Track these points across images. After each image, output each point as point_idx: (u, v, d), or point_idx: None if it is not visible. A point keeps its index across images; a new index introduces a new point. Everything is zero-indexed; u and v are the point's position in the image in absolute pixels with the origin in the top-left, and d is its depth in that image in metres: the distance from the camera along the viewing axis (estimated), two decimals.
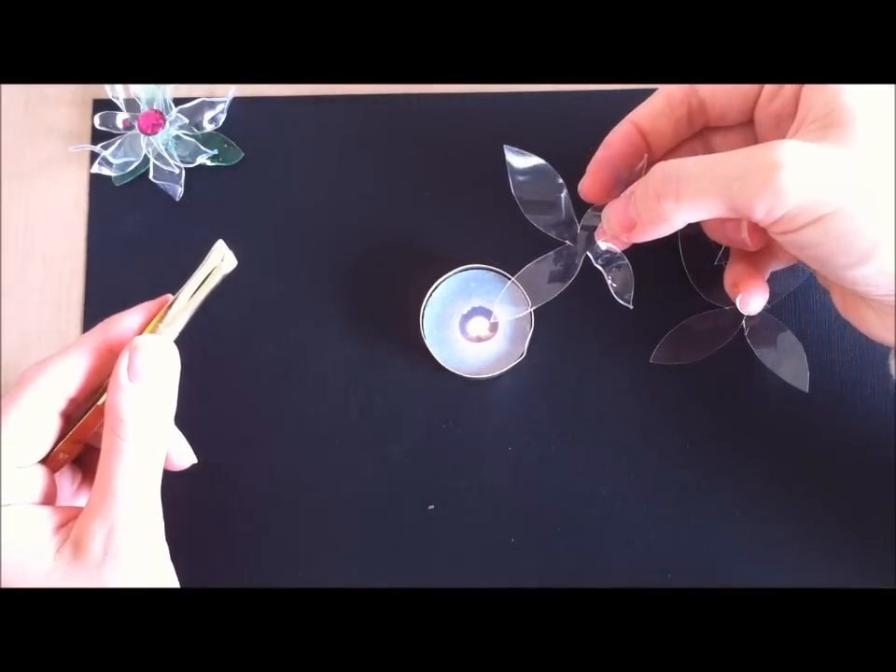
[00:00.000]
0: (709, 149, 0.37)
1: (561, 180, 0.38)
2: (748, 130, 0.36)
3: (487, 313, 0.40)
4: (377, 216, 0.42)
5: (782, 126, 0.34)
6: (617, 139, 0.36)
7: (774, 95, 0.34)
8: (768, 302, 0.40)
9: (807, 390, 0.39)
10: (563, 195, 0.38)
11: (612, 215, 0.34)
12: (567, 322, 0.41)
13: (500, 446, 0.40)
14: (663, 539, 0.39)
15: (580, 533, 0.40)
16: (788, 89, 0.33)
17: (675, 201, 0.31)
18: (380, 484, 0.40)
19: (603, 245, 0.37)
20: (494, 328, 0.40)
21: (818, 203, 0.29)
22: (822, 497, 0.39)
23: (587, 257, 0.38)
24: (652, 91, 0.36)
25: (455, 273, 0.40)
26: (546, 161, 0.38)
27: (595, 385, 0.41)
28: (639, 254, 0.36)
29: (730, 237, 0.36)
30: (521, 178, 0.38)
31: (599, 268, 0.38)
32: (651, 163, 0.35)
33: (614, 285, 0.37)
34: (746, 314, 0.37)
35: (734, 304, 0.38)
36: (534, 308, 0.38)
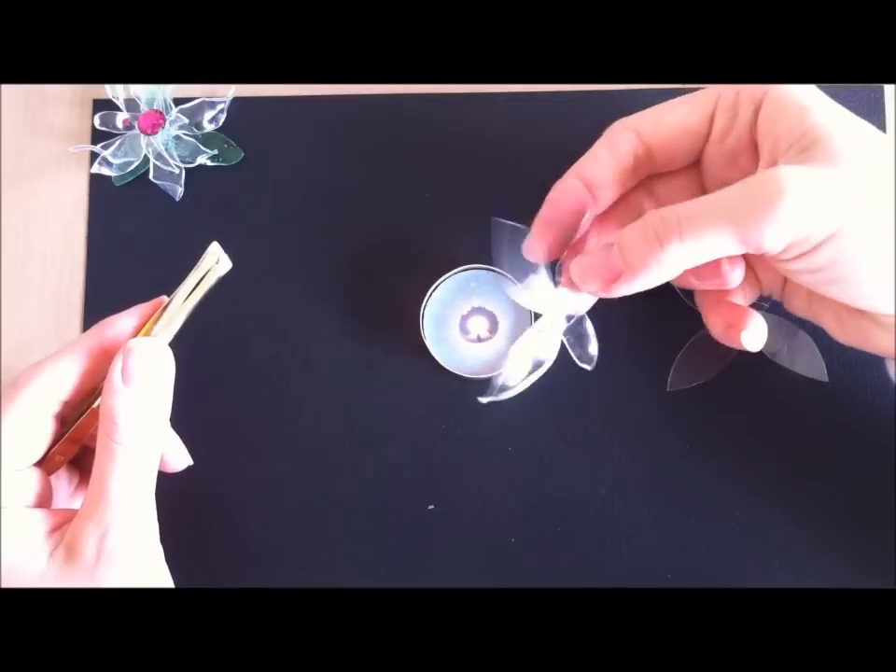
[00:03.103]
0: (654, 198, 0.36)
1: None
2: (692, 172, 0.35)
3: (487, 313, 0.40)
4: (377, 215, 0.42)
5: (738, 162, 0.33)
6: (562, 196, 0.35)
7: (726, 133, 0.33)
8: (765, 302, 0.40)
9: (827, 380, 0.39)
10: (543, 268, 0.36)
11: (590, 269, 0.32)
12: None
13: (500, 446, 0.40)
14: (663, 540, 0.39)
15: (580, 533, 0.40)
16: (741, 124, 0.32)
17: (679, 241, 0.29)
18: (380, 484, 0.40)
19: (569, 311, 0.35)
20: (493, 328, 0.40)
21: (828, 221, 0.28)
22: (822, 497, 0.39)
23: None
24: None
25: (455, 273, 0.40)
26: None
27: (595, 385, 0.41)
28: None
29: (705, 278, 0.34)
30: (506, 252, 0.36)
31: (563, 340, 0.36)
32: (592, 217, 0.35)
33: (577, 350, 0.36)
34: (754, 350, 0.35)
35: None
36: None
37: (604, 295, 0.32)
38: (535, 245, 0.35)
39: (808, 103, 0.31)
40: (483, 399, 0.36)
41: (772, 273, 0.36)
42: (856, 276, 0.30)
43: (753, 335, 0.35)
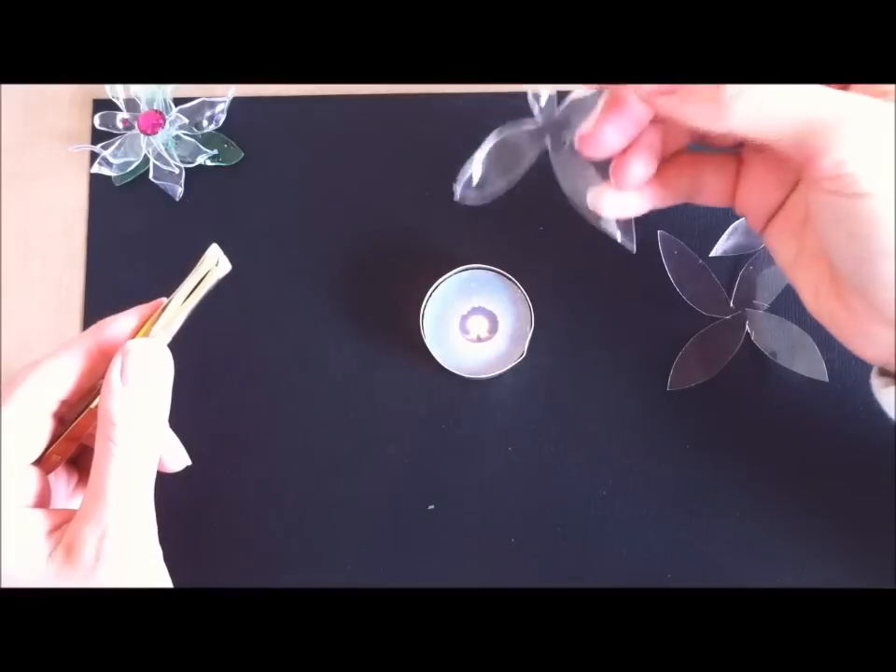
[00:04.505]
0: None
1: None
2: None
3: (487, 313, 0.40)
4: (377, 215, 0.43)
5: None
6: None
7: None
8: (764, 301, 0.40)
9: (827, 380, 0.39)
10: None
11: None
12: (568, 322, 0.41)
13: (500, 446, 0.40)
14: (663, 540, 0.39)
15: (580, 533, 0.40)
16: None
17: (745, 108, 0.29)
18: (380, 484, 0.40)
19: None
20: (493, 328, 0.40)
21: (871, 180, 0.27)
22: (822, 497, 0.39)
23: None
24: None
25: (455, 273, 0.40)
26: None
27: (595, 385, 0.41)
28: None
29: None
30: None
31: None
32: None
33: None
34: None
35: (731, 312, 0.38)
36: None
37: (636, 97, 0.32)
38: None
39: None
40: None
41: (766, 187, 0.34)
42: (876, 245, 0.28)
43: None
